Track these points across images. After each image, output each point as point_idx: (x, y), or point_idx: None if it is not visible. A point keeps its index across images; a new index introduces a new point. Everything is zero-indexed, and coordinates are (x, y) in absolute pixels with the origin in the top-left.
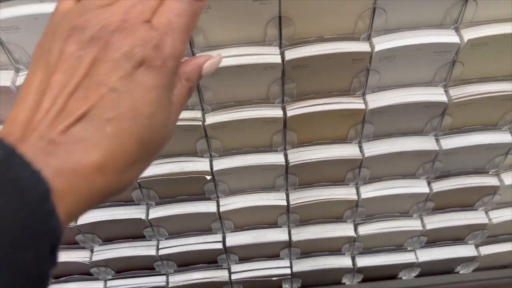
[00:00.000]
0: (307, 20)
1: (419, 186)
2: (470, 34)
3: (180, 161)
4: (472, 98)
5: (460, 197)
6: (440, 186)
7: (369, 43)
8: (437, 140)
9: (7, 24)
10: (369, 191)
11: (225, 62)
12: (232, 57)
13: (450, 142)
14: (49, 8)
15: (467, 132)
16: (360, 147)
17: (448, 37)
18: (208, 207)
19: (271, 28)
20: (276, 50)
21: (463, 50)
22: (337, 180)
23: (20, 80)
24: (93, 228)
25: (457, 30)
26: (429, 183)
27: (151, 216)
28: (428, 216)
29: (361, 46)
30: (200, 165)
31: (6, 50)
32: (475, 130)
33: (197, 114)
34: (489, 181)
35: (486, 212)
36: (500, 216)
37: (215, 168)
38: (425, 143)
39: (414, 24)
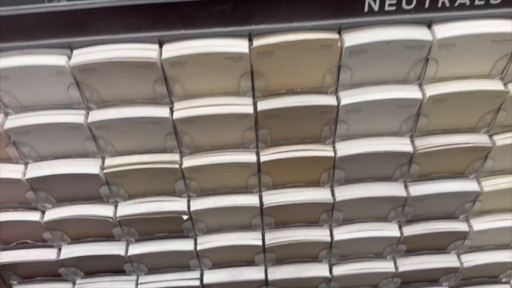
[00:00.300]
0: (278, 75)
1: (391, 230)
2: (432, 90)
3: (159, 201)
4: (438, 149)
5: (432, 240)
6: (411, 230)
7: (336, 96)
8: (406, 187)
9: None
10: (342, 233)
11: (201, 111)
12: (207, 106)
13: (419, 189)
14: (36, 60)
15: (436, 179)
16: (332, 191)
17: (410, 92)
18: (185, 245)
19: (245, 80)
20: (249, 101)
21: (426, 104)
22: (312, 221)
23: (8, 123)
24: (75, 262)
25: (420, 86)
26: (400, 227)
27: (130, 252)
28: (401, 258)
29: (328, 100)
30: (177, 205)
31: None
32: (443, 178)
33: (175, 157)
34: (459, 226)
35: (458, 256)
36: (472, 260)
37: (192, 208)
38: (394, 189)
39: (380, 80)
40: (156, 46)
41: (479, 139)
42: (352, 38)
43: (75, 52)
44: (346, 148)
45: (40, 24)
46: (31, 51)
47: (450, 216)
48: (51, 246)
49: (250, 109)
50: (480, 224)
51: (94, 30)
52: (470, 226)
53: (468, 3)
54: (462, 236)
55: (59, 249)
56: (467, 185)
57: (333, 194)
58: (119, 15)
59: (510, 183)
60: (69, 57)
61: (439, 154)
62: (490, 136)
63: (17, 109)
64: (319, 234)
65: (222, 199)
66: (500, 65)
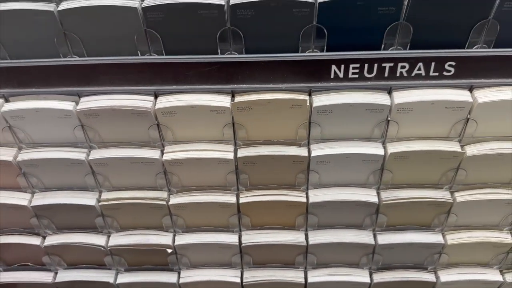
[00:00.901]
0: (256, 127)
1: (361, 276)
2: (393, 148)
3: (147, 234)
4: (402, 202)
5: None
6: (381, 277)
7: (308, 149)
8: (375, 235)
9: (15, 114)
10: (316, 276)
11: (188, 155)
12: (193, 151)
13: (386, 238)
14: (48, 104)
15: (403, 230)
16: (306, 235)
17: (373, 149)
18: (169, 278)
19: (227, 130)
20: (231, 148)
21: (389, 160)
22: (288, 263)
23: (21, 156)
24: (69, 286)
25: (384, 143)
26: (371, 274)
27: (119, 280)
28: None
29: (300, 151)
30: (164, 239)
31: (12, 132)
32: (410, 229)
33: (163, 194)
34: (427, 277)
35: None
36: None
37: (177, 243)
38: (362, 237)
39: (348, 136)
40: (151, 98)
41: (440, 194)
42: (320, 100)
43: (82, 99)
44: (317, 195)
45: (55, 75)
46: (46, 96)
47: (419, 266)
48: (49, 270)
49: (230, 155)
50: (447, 276)
51: (99, 82)
52: (437, 277)
53: (423, 73)
54: (430, 286)
55: (56, 273)
56: (432, 238)
57: (306, 238)
58: (121, 70)
59: (473, 238)
60: (77, 103)
61: (404, 207)
62: (452, 193)
63: (29, 144)
64: (294, 276)
65: (205, 236)
66: (458, 128)
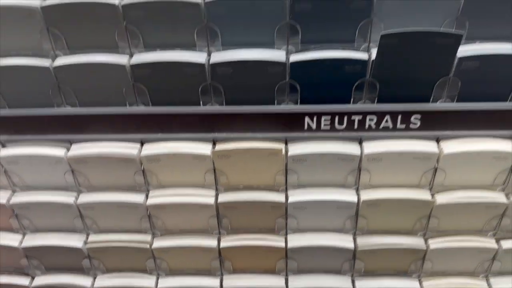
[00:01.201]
0: (236, 174)
1: None
2: (366, 195)
3: (131, 277)
4: (377, 248)
5: None
6: None
7: (285, 195)
8: (353, 281)
9: (10, 159)
10: None
11: (170, 200)
12: (176, 196)
13: (364, 284)
14: (41, 151)
15: (381, 276)
16: (286, 280)
17: (346, 196)
18: None
19: (209, 176)
20: (212, 193)
21: (362, 207)
22: None
23: (14, 199)
24: None
25: (357, 190)
26: None
27: None
28: None
29: (278, 197)
30: (147, 282)
31: (7, 176)
32: (388, 275)
33: (147, 237)
34: None
35: None
36: None
37: (159, 286)
38: (341, 283)
39: (324, 183)
40: (137, 145)
41: (414, 241)
42: (295, 149)
43: (73, 146)
44: (296, 240)
45: (49, 123)
46: (40, 143)
47: None
48: None
49: (211, 200)
50: None
51: (89, 130)
52: None
53: (391, 126)
54: None
55: None
56: (409, 284)
57: (286, 283)
58: (110, 120)
59: (449, 286)
60: (69, 150)
61: (380, 253)
62: (426, 240)
63: (23, 187)
64: None
65: (187, 280)
66: (428, 177)
